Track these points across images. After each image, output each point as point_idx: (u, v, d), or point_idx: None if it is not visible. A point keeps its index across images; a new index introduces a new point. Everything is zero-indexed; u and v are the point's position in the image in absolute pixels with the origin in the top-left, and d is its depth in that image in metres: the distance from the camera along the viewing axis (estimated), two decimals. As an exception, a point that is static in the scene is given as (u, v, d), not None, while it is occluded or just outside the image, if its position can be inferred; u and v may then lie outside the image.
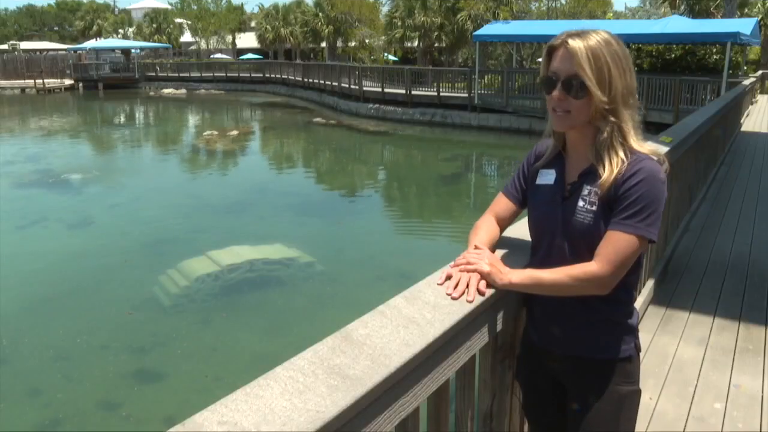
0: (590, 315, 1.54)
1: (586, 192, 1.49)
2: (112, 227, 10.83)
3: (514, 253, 1.74)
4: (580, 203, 1.49)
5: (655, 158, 1.45)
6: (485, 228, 1.69)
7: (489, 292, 1.51)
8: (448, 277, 1.51)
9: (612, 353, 1.57)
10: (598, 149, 1.46)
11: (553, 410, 1.72)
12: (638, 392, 1.62)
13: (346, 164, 19.22)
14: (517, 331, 1.83)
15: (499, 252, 1.71)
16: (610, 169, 1.43)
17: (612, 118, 1.44)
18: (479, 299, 1.44)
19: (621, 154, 1.44)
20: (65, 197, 13.41)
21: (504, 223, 1.74)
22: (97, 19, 60.21)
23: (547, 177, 1.59)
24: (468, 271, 1.51)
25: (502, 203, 1.72)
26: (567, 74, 1.43)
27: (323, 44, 46.40)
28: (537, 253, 1.64)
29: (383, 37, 40.25)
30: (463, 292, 1.47)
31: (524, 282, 1.50)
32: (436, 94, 23.86)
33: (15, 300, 7.40)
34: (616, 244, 1.42)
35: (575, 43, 1.41)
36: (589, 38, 1.42)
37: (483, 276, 1.50)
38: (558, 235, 1.54)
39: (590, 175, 1.49)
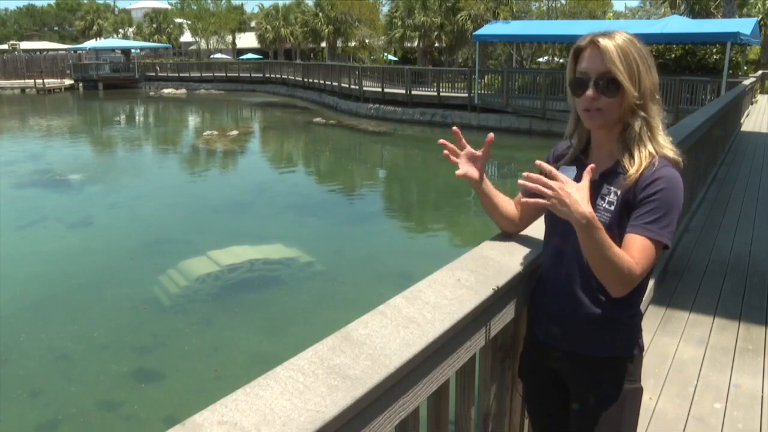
0: (596, 314, 1.55)
1: (605, 191, 1.49)
2: (112, 227, 10.83)
3: (526, 247, 1.76)
4: (599, 201, 1.50)
5: (674, 163, 1.48)
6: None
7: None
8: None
9: (615, 352, 1.58)
10: (627, 144, 1.49)
11: (555, 408, 1.72)
12: (640, 390, 1.63)
13: (346, 164, 19.22)
14: (517, 331, 1.83)
15: (507, 243, 1.78)
16: (639, 163, 1.45)
17: (642, 113, 1.47)
18: (479, 298, 1.44)
19: (650, 148, 1.46)
20: (65, 197, 13.42)
21: (522, 218, 1.81)
22: (97, 19, 60.22)
23: (567, 174, 1.58)
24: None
25: (518, 201, 1.77)
26: (598, 73, 1.45)
27: (323, 44, 46.41)
28: (548, 248, 1.65)
29: (383, 37, 40.23)
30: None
31: (597, 225, 1.36)
32: (436, 94, 23.85)
33: (15, 300, 7.40)
34: (642, 247, 1.42)
35: (606, 42, 1.44)
36: (615, 37, 1.45)
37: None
38: (572, 232, 1.54)
39: (612, 174, 1.50)
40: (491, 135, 1.73)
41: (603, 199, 1.50)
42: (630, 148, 1.48)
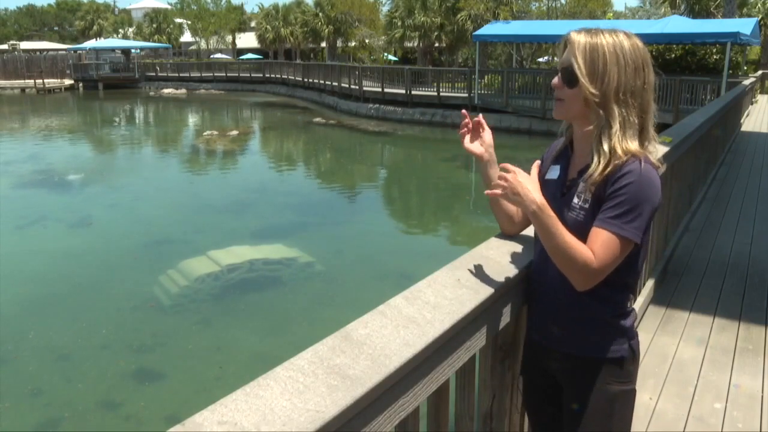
0: (585, 314, 1.55)
1: (581, 188, 1.50)
2: (112, 227, 10.83)
3: (525, 248, 1.77)
4: (575, 200, 1.51)
5: (646, 159, 1.44)
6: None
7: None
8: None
9: (605, 353, 1.56)
10: (593, 142, 1.49)
11: (551, 408, 1.72)
12: (633, 392, 1.60)
13: (346, 164, 19.21)
14: (517, 331, 1.83)
15: (507, 243, 1.78)
16: (596, 165, 1.45)
17: (601, 113, 1.45)
18: (479, 298, 1.44)
19: (606, 150, 1.44)
20: (65, 197, 13.42)
21: (522, 217, 1.80)
22: (97, 19, 60.28)
23: (553, 172, 1.63)
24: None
25: None
26: (564, 63, 1.49)
27: (323, 44, 46.43)
28: (538, 246, 1.65)
29: (383, 37, 40.24)
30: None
31: (548, 213, 1.44)
32: (436, 94, 23.86)
33: (15, 300, 7.40)
34: (602, 241, 1.42)
35: (575, 35, 1.48)
36: (593, 33, 1.46)
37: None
38: None
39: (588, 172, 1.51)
40: (478, 117, 1.74)
41: (579, 197, 1.50)
42: (593, 149, 1.47)
